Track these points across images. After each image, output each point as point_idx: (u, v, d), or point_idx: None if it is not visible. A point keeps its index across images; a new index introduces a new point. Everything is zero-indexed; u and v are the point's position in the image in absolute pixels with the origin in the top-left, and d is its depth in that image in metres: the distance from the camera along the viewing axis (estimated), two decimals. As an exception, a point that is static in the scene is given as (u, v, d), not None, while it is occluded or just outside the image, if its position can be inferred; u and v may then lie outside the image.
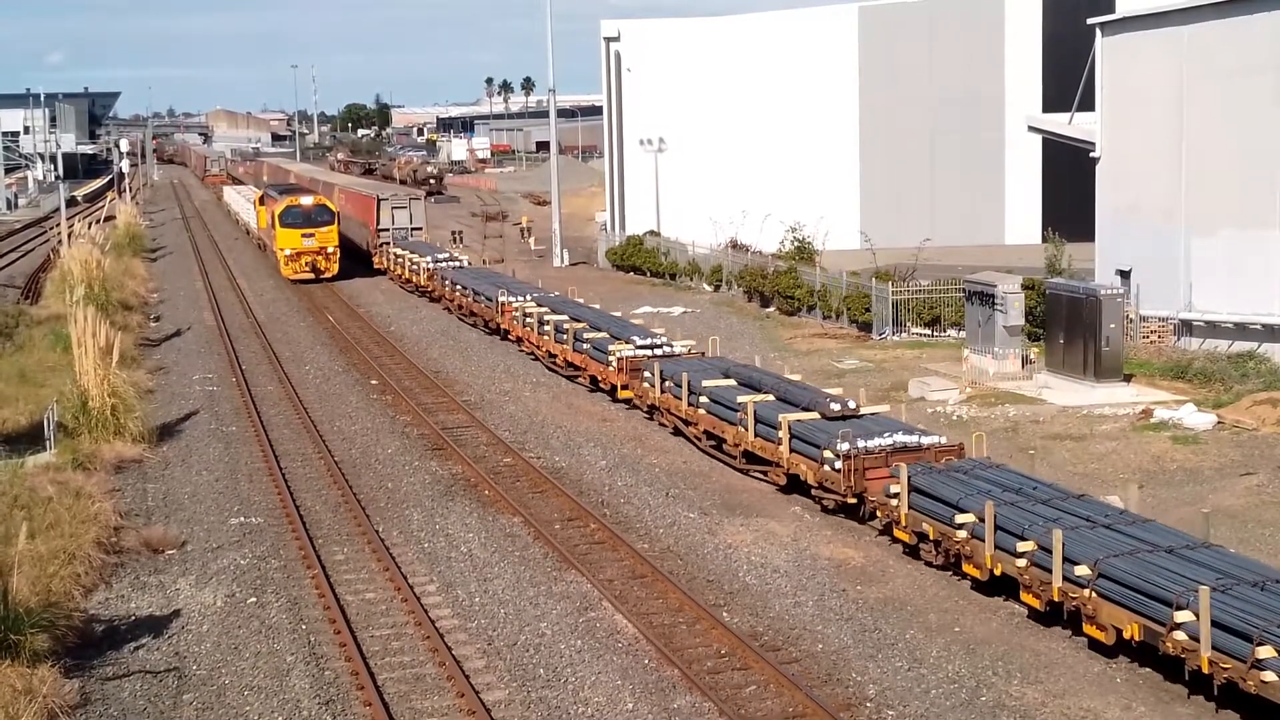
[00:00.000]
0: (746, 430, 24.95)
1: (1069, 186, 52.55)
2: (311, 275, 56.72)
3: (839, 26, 67.80)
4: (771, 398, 25.47)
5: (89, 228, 58.33)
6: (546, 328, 36.39)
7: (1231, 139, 34.26)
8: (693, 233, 56.98)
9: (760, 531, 22.05)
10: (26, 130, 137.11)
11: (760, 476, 24.83)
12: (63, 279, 49.42)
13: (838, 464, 21.86)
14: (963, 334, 35.78)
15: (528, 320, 38.08)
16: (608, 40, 69.18)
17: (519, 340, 39.20)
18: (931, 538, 19.67)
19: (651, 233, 61.96)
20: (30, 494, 22.73)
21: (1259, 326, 33.23)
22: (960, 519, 18.96)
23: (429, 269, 50.89)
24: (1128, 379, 31.06)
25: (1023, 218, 66.13)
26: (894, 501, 20.56)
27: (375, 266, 59.39)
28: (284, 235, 57.34)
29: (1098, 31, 39.10)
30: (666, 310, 46.44)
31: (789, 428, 23.57)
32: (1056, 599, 17.24)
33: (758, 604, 18.96)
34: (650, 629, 17.86)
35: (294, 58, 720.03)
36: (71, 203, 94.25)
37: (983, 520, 18.49)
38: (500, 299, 40.71)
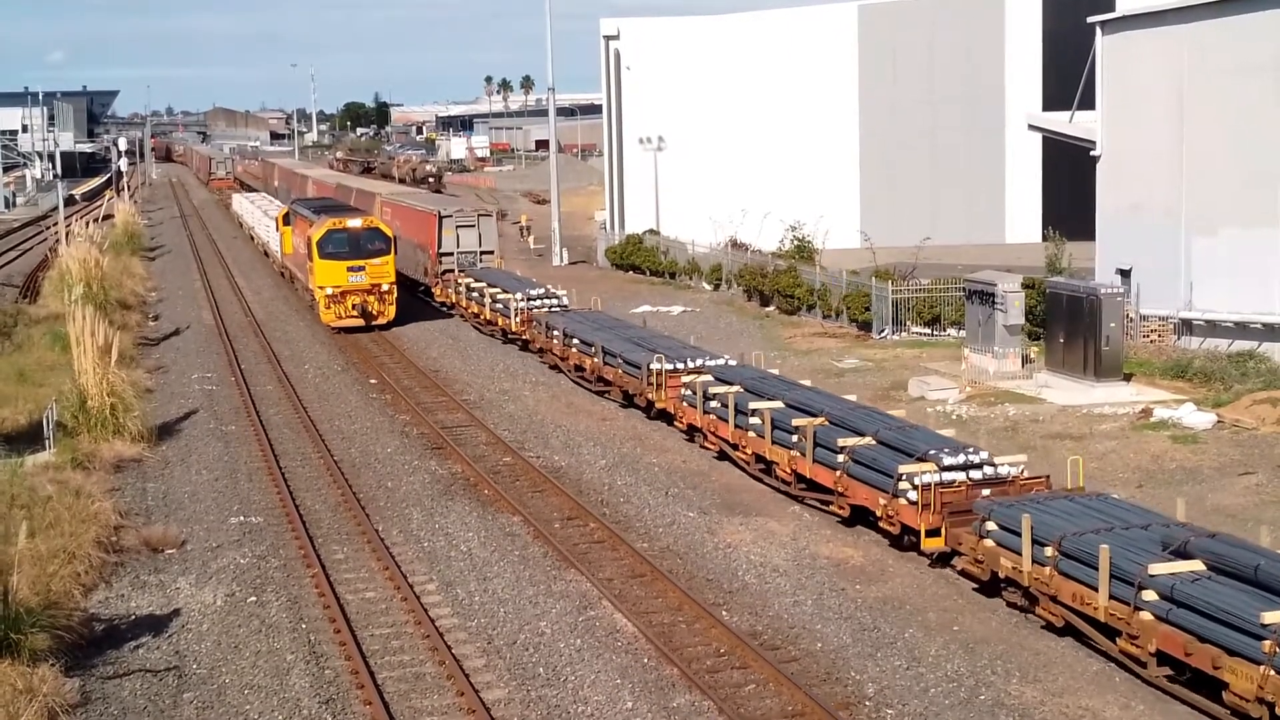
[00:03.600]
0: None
1: (1069, 185, 52.66)
2: (360, 321, 43.05)
3: (839, 25, 67.91)
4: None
5: (87, 226, 58.22)
6: (754, 419, 24.96)
7: (1232, 138, 34.27)
8: (692, 231, 57.00)
9: (760, 531, 22.05)
10: (25, 129, 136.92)
11: None
12: (61, 278, 49.37)
13: None
14: (963, 333, 35.78)
15: (712, 404, 26.81)
16: (607, 39, 69.28)
17: (691, 429, 28.10)
18: None
19: (651, 231, 61.97)
20: (30, 493, 22.72)
21: (1259, 326, 33.23)
22: None
23: (523, 311, 39.34)
24: (1128, 378, 31.05)
25: (1023, 216, 66.24)
26: None
27: (438, 300, 48.26)
28: (324, 269, 43.24)
29: (1098, 30, 39.11)
30: (666, 309, 46.47)
31: None
32: None
33: (757, 603, 18.96)
34: (650, 628, 17.86)
35: (293, 57, 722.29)
36: (70, 201, 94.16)
37: None
38: (653, 365, 29.55)
